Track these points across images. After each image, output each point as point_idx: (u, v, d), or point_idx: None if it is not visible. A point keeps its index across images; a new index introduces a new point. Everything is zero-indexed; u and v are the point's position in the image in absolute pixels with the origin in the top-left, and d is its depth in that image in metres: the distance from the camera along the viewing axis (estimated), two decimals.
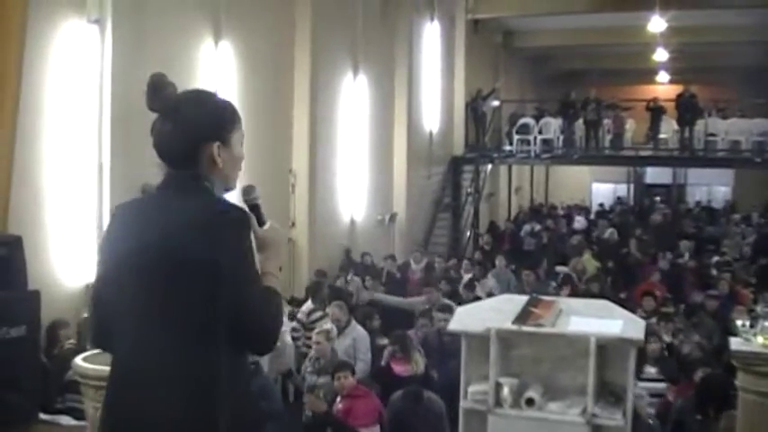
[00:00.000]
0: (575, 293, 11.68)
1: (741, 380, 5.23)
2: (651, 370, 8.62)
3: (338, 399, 7.23)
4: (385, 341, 9.37)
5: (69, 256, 8.90)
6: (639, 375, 8.56)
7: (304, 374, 8.38)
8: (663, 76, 29.59)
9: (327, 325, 8.79)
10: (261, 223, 2.83)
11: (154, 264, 2.56)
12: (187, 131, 2.67)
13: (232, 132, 2.75)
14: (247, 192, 2.86)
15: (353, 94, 16.20)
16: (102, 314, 2.74)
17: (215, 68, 11.40)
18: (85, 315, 7.04)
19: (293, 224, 13.78)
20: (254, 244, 2.72)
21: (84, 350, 4.96)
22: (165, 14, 10.33)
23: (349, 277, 13.03)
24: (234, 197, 2.84)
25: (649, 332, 9.45)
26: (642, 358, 8.83)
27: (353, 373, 7.51)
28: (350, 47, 15.93)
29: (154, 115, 2.70)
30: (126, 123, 9.11)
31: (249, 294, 2.54)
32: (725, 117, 22.44)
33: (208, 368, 2.52)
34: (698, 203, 27.74)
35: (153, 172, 2.75)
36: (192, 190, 2.67)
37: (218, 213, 2.60)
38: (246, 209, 2.76)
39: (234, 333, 2.53)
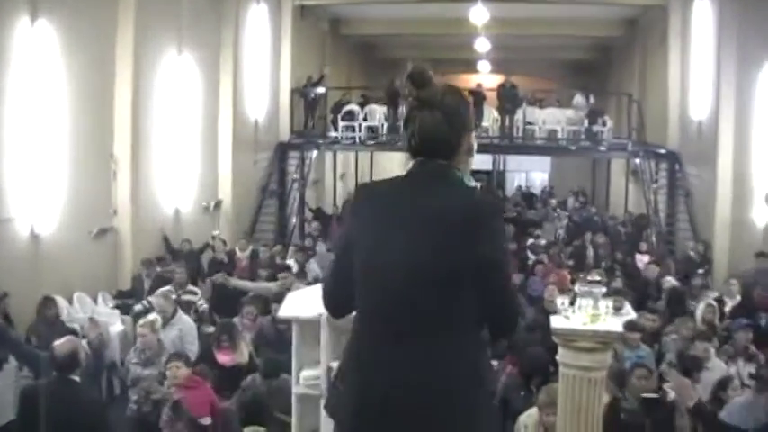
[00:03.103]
0: None
1: (562, 355, 5.45)
2: None
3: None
4: (212, 329, 9.19)
5: None
6: None
7: (128, 366, 8.08)
8: (485, 66, 30.41)
9: (152, 315, 8.52)
10: None
11: (408, 264, 2.61)
12: (456, 121, 2.77)
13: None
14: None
15: (178, 76, 15.67)
16: (341, 292, 2.91)
17: (32, 48, 10.78)
18: None
19: (115, 212, 13.25)
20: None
21: None
22: None
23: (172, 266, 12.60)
24: None
25: None
26: None
27: (188, 363, 7.34)
28: (175, 25, 15.40)
29: None
30: None
31: (509, 286, 2.66)
32: (542, 107, 23.34)
33: (465, 377, 2.62)
34: (519, 188, 28.74)
35: None
36: (447, 178, 2.73)
37: (478, 203, 2.67)
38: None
39: (488, 322, 2.63)
